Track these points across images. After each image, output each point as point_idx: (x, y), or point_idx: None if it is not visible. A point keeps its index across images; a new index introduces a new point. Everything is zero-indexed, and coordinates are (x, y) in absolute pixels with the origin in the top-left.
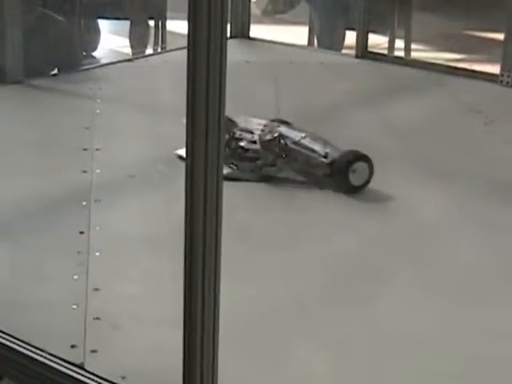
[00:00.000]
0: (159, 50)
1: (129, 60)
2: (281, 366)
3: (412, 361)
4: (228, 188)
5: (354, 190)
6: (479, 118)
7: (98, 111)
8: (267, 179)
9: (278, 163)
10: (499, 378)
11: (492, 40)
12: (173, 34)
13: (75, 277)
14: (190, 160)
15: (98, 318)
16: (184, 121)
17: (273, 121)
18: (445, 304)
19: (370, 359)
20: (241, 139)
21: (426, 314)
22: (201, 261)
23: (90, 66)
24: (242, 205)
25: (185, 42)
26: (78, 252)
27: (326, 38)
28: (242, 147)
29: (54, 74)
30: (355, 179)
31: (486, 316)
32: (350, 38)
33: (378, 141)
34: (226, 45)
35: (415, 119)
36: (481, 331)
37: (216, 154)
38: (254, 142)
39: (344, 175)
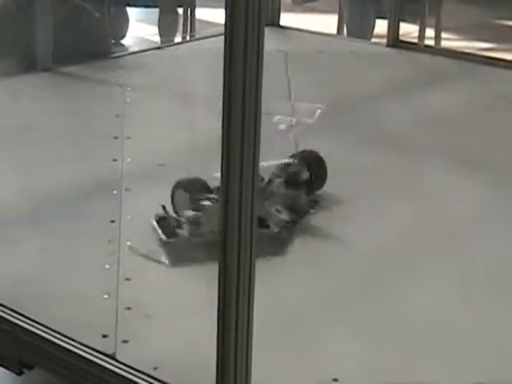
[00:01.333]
0: (188, 38)
1: (158, 48)
2: None
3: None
4: None
5: None
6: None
7: (128, 99)
8: None
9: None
10: None
11: None
12: (202, 21)
13: (106, 266)
14: (225, 145)
15: (129, 308)
16: (220, 105)
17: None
18: (478, 298)
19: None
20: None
21: (460, 307)
22: (236, 258)
23: (120, 54)
24: None
25: (213, 30)
26: (109, 241)
27: (356, 26)
28: None
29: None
30: None
31: None
32: (379, 26)
33: (410, 132)
34: (263, 33)
35: (448, 110)
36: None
37: (253, 143)
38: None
39: None
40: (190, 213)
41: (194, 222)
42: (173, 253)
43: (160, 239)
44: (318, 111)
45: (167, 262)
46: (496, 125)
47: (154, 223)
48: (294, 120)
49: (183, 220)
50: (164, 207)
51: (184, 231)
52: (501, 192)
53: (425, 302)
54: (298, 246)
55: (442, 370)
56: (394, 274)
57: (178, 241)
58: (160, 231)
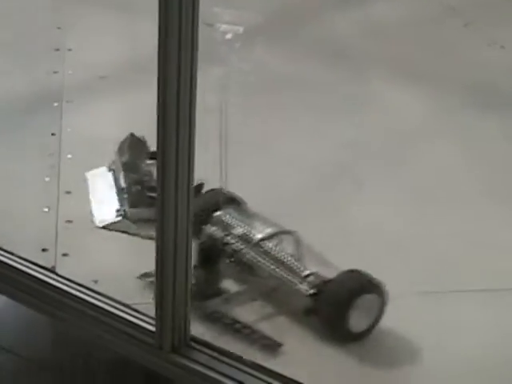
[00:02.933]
0: None
1: None
2: None
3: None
4: None
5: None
6: (459, 19)
7: (69, 11)
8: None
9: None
10: (462, 276)
11: None
12: None
13: (47, 179)
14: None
15: (69, 221)
16: None
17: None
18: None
19: None
20: None
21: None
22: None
23: None
24: None
25: None
26: (50, 154)
27: None
28: None
29: None
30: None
31: (460, 221)
32: None
33: (357, 41)
34: None
35: (395, 19)
36: (452, 235)
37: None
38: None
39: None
40: None
41: None
42: None
43: None
44: (260, 20)
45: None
46: (441, 35)
47: None
48: (241, 29)
49: None
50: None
51: None
52: (443, 102)
53: (369, 211)
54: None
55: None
56: (339, 185)
57: None
58: None
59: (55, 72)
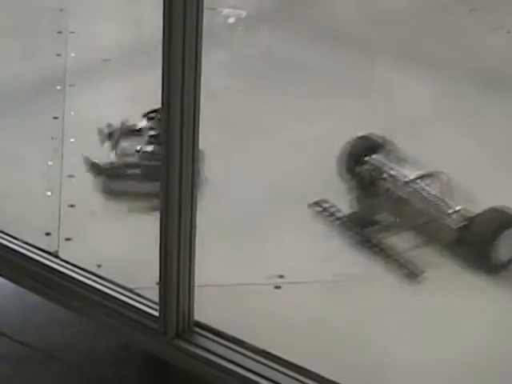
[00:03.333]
0: None
1: None
2: None
3: None
4: None
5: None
6: (465, 5)
7: None
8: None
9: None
10: None
11: None
12: None
13: (50, 163)
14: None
15: (72, 206)
16: None
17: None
18: None
19: None
20: None
21: None
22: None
23: None
24: None
25: None
26: (53, 138)
27: None
28: None
29: None
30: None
31: None
32: None
33: (360, 28)
34: None
35: (400, 5)
36: None
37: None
38: None
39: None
40: None
41: None
42: None
43: None
44: (263, 4)
45: None
46: (445, 20)
47: None
48: (244, 13)
49: None
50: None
51: None
52: (446, 87)
53: None
54: None
55: None
56: None
57: None
58: None
59: (58, 55)
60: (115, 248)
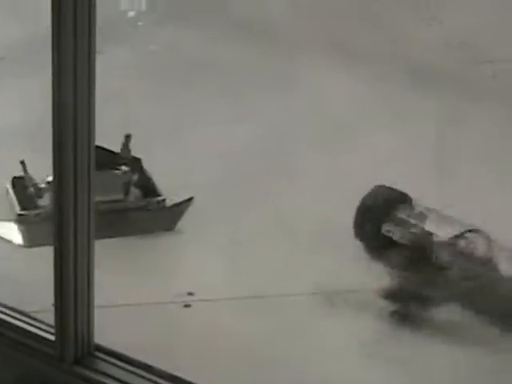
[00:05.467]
0: None
1: None
2: None
3: None
4: None
5: None
6: None
7: None
8: None
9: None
10: None
11: None
12: None
13: None
14: None
15: None
16: None
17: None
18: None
19: None
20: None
21: None
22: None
23: None
24: None
25: None
26: None
27: None
28: None
29: None
30: None
31: None
32: None
33: (287, 21)
34: None
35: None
36: None
37: None
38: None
39: None
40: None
41: None
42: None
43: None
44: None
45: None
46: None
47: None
48: (144, 5)
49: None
50: (23, 163)
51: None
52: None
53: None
54: None
55: None
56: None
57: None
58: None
59: None
60: (5, 267)
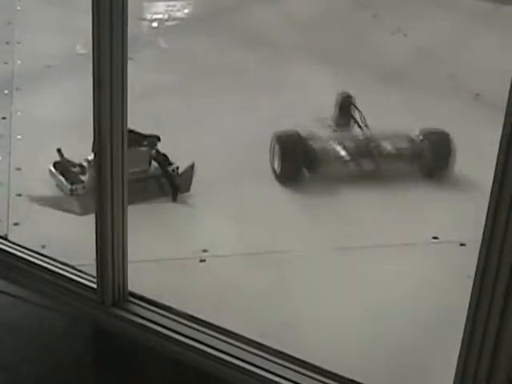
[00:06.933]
0: None
1: None
2: None
3: None
4: None
5: None
6: (367, 12)
7: (18, 8)
8: None
9: None
10: None
11: None
12: None
13: None
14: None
15: (19, 195)
16: None
17: None
18: None
19: None
20: None
21: None
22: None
23: None
24: None
25: None
26: (1, 136)
27: None
28: None
29: None
30: None
31: None
32: None
33: (277, 32)
34: None
35: (310, 13)
36: None
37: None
38: None
39: None
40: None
41: None
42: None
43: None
44: (186, 11)
45: (77, 211)
46: (351, 25)
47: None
48: (166, 17)
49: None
50: (59, 150)
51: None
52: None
53: None
54: None
55: None
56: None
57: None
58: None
59: (5, 63)
60: (58, 231)
